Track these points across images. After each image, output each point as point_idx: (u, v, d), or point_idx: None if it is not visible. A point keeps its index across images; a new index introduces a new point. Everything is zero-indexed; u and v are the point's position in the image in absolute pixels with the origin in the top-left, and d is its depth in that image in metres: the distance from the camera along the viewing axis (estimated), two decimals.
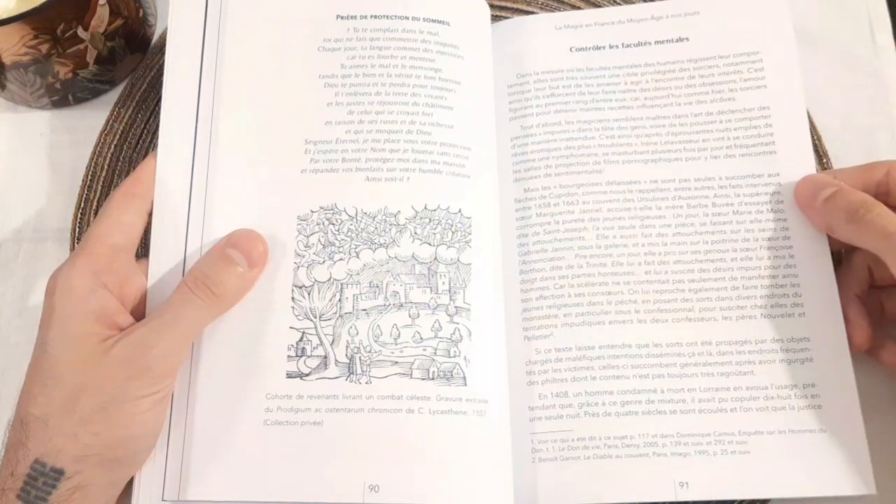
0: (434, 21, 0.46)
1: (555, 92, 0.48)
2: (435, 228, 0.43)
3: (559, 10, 0.52)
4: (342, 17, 0.46)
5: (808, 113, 0.49)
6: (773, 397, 0.41)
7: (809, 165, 0.45)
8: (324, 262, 0.42)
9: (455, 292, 0.42)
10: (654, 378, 0.42)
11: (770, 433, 0.41)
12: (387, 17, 0.46)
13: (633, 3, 0.52)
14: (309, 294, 0.42)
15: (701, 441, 0.41)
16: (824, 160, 0.49)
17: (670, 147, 0.46)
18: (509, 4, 0.52)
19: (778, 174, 0.45)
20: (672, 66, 0.48)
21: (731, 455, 0.41)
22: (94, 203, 0.48)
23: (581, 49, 0.49)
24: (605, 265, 0.44)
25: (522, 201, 0.45)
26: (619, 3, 0.52)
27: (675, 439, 0.41)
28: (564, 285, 0.44)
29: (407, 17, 0.46)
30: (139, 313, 0.40)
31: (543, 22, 0.50)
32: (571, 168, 0.46)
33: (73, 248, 0.47)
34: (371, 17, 0.46)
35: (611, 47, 0.48)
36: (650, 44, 0.48)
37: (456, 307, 0.42)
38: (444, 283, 0.42)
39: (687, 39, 0.48)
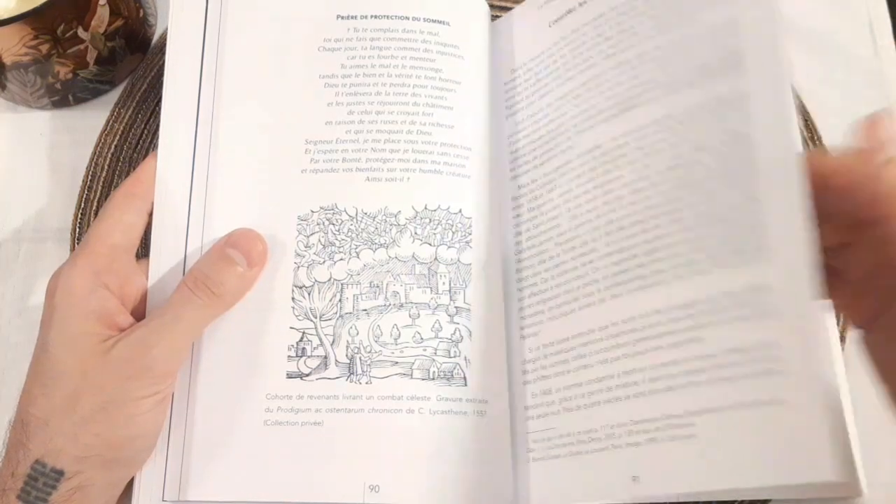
0: (434, 21, 0.46)
1: (539, 77, 0.46)
2: (435, 228, 0.43)
3: None
4: (342, 17, 0.46)
5: (807, 113, 0.50)
6: (723, 365, 0.35)
7: (782, 81, 0.37)
8: (324, 262, 0.42)
9: (455, 292, 0.42)
10: (611, 362, 0.39)
11: (718, 411, 0.35)
12: (387, 17, 0.46)
13: None
14: (309, 294, 0.42)
15: (649, 428, 0.37)
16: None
17: (631, 93, 0.42)
18: (509, 4, 0.52)
19: (748, 95, 0.37)
20: (636, 3, 0.43)
21: (678, 441, 0.36)
22: (95, 203, 0.48)
23: (557, 20, 0.47)
24: (574, 248, 0.42)
25: (517, 198, 0.45)
26: None
27: (628, 428, 0.37)
28: (548, 278, 0.43)
29: (407, 18, 0.46)
30: (139, 313, 0.40)
31: (527, 6, 0.49)
32: (550, 153, 0.45)
33: (73, 249, 0.47)
34: (371, 17, 0.46)
35: (580, 5, 0.46)
36: None
37: (456, 307, 0.42)
38: (444, 283, 0.42)
39: None
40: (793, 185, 0.35)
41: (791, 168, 0.35)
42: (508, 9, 0.52)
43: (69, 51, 0.46)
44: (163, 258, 0.41)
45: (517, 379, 0.42)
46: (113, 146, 0.49)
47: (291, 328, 0.41)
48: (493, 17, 0.49)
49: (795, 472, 0.33)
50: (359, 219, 0.42)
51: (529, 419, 0.42)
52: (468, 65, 0.46)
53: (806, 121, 0.50)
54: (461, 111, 0.45)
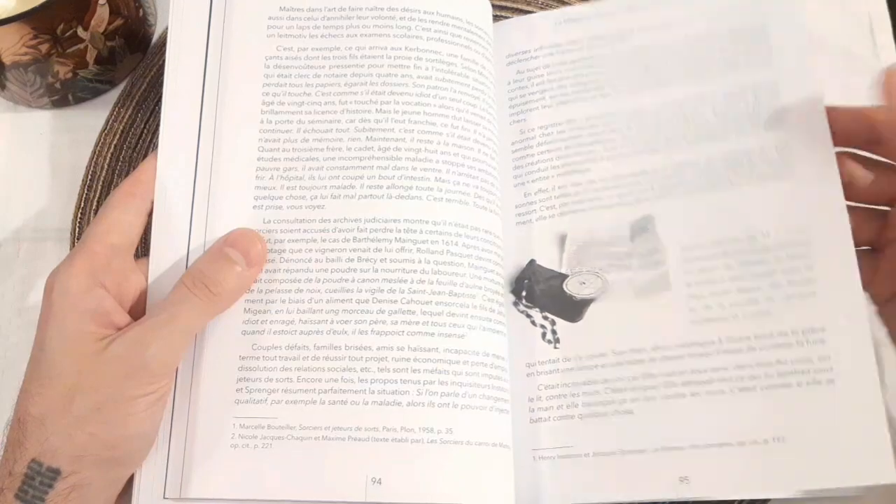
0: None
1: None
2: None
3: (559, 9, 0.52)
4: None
5: None
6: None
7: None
8: None
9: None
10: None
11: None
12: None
13: None
14: None
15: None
16: None
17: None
18: (509, 4, 0.52)
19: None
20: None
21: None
22: (95, 203, 0.48)
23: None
24: None
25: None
26: None
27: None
28: None
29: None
30: (138, 313, 0.40)
31: (544, 19, 0.49)
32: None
33: (73, 248, 0.47)
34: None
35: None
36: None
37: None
38: None
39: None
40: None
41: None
42: (508, 9, 0.52)
43: (69, 50, 0.46)
44: (162, 257, 0.41)
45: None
46: (113, 146, 0.49)
47: None
48: (494, 17, 0.48)
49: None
50: None
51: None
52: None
53: None
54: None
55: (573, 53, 0.48)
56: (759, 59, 0.44)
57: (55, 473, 0.35)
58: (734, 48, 0.45)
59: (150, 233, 0.42)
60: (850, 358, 0.39)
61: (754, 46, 0.44)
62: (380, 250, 0.41)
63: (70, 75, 0.47)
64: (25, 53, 0.44)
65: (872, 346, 0.39)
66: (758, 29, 0.45)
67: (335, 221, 0.42)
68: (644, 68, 0.46)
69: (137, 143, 0.49)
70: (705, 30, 0.46)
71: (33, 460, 0.35)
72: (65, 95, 0.49)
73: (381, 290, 0.41)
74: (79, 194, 0.48)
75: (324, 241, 0.42)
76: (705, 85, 0.45)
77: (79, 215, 0.48)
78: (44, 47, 0.44)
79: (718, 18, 0.46)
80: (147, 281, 0.41)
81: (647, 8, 0.47)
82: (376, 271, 0.41)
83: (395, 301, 0.41)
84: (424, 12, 0.45)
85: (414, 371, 0.40)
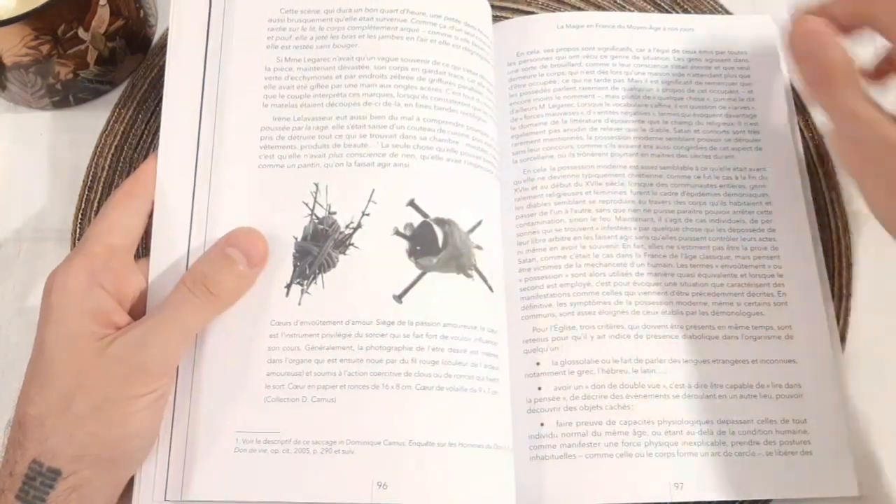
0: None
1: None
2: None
3: (559, 11, 0.52)
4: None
5: (807, 112, 0.49)
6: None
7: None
8: None
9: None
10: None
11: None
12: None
13: (636, 6, 0.52)
14: None
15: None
16: (825, 160, 0.49)
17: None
18: (509, 4, 0.52)
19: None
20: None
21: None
22: (95, 203, 0.48)
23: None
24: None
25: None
26: (623, 6, 0.52)
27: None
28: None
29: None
30: (138, 313, 0.40)
31: (544, 22, 0.50)
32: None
33: (73, 249, 0.47)
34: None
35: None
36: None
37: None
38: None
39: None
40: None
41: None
42: (508, 9, 0.52)
43: (70, 51, 0.46)
44: (162, 258, 0.41)
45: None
46: (113, 146, 0.49)
47: None
48: (494, 18, 0.49)
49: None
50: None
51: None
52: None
53: (806, 120, 0.50)
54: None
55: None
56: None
57: (56, 474, 0.35)
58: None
59: (150, 233, 0.42)
60: None
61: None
62: None
63: (71, 76, 0.47)
64: (26, 54, 0.44)
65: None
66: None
67: None
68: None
69: (138, 144, 0.49)
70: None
71: (34, 461, 0.35)
72: (65, 96, 0.49)
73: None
74: (79, 195, 0.48)
75: None
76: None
77: (79, 216, 0.48)
78: (44, 48, 0.44)
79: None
80: (147, 281, 0.41)
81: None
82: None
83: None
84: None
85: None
